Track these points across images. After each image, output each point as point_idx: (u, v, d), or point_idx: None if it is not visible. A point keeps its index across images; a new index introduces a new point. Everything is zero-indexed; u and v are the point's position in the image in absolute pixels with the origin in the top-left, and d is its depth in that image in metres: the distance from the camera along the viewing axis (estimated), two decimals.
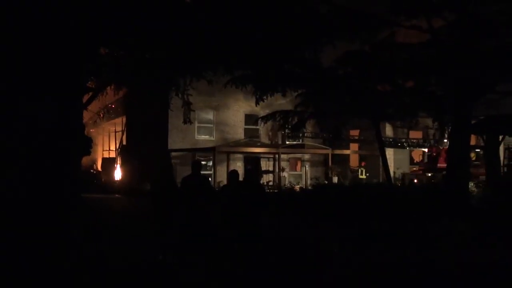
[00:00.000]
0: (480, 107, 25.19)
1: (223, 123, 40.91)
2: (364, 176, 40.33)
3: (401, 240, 15.14)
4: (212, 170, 38.26)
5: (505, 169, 31.48)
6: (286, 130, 31.46)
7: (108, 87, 20.44)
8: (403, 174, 38.40)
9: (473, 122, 24.33)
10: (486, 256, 13.00)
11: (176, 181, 13.09)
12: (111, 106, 39.71)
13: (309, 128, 38.22)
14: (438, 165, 36.03)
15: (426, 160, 40.59)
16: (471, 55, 19.90)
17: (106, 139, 50.80)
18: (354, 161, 45.38)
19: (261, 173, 41.05)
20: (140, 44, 12.99)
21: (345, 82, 23.22)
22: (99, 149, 51.54)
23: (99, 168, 46.28)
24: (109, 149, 49.39)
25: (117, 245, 14.62)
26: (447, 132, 28.60)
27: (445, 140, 35.73)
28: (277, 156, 40.02)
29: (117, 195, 35.07)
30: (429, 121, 34.07)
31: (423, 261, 12.54)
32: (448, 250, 13.88)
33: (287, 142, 41.85)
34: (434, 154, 38.08)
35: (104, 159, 46.98)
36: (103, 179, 41.23)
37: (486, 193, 20.90)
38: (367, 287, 10.43)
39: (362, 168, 41.13)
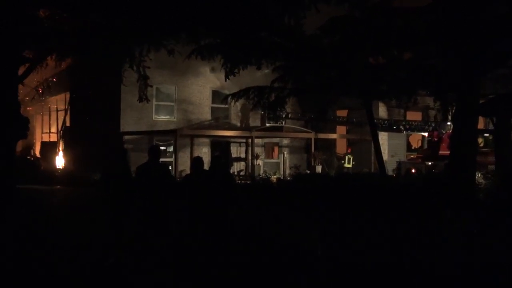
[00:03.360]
0: (486, 84, 25.32)
1: (186, 101, 40.78)
2: (350, 165, 40.47)
3: (397, 240, 15.27)
4: (173, 157, 38.16)
5: None
6: (265, 111, 31.47)
7: (49, 57, 20.25)
8: (399, 163, 38.60)
9: (481, 101, 24.50)
10: (489, 259, 13.17)
11: (130, 169, 13.02)
12: (53, 79, 39.32)
13: (288, 107, 38.28)
14: (440, 152, 36.27)
15: (426, 147, 40.87)
16: (478, 21, 19.98)
17: (46, 119, 50.46)
18: (341, 147, 45.58)
19: (231, 160, 41.07)
20: (86, 4, 12.88)
21: (331, 53, 23.25)
22: (38, 131, 51.19)
23: (38, 154, 46.00)
24: (50, 132, 49.08)
25: (58, 246, 14.56)
26: (450, 113, 28.76)
27: (448, 123, 35.95)
28: (250, 140, 39.99)
29: (59, 186, 34.88)
30: (429, 100, 34.25)
31: (420, 263, 12.67)
32: (449, 251, 14.03)
33: (267, 125, 41.80)
34: (435, 139, 38.32)
35: (43, 144, 46.68)
36: (42, 167, 40.98)
37: (494, 186, 21.07)
38: None
39: (349, 155, 41.27)
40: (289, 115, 40.67)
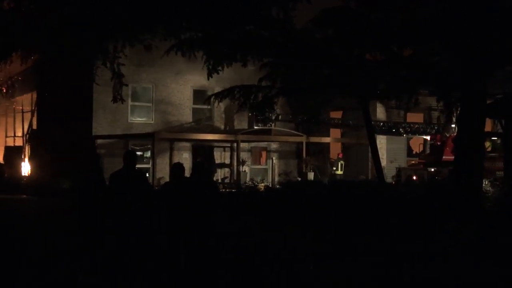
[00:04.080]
0: (495, 83, 25.33)
1: (165, 101, 40.71)
2: (341, 172, 40.46)
3: (396, 256, 15.28)
4: (151, 162, 38.11)
5: None
6: (252, 112, 31.43)
7: (14, 53, 20.20)
8: (399, 169, 38.68)
9: (488, 102, 24.55)
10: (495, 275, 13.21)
11: (104, 177, 12.99)
12: (18, 78, 39.22)
13: (277, 108, 38.25)
14: (444, 157, 36.35)
15: (428, 151, 40.95)
16: (486, 14, 20.03)
17: (10, 122, 50.24)
18: (335, 151, 45.61)
19: (214, 167, 41.00)
20: None
21: (324, 48, 23.25)
22: (1, 135, 50.99)
23: (1, 160, 45.82)
24: (15, 135, 48.86)
25: (23, 262, 14.47)
26: (455, 115, 28.81)
27: (453, 126, 36.04)
28: (235, 145, 39.98)
29: (25, 196, 34.74)
30: (432, 101, 34.32)
31: (419, 278, 12.70)
32: (452, 267, 14.05)
33: (254, 127, 41.69)
34: (439, 143, 38.41)
35: (7, 148, 46.48)
36: (6, 174, 40.78)
37: (503, 194, 21.09)
38: None
39: (341, 161, 41.24)
40: (279, 117, 40.68)
